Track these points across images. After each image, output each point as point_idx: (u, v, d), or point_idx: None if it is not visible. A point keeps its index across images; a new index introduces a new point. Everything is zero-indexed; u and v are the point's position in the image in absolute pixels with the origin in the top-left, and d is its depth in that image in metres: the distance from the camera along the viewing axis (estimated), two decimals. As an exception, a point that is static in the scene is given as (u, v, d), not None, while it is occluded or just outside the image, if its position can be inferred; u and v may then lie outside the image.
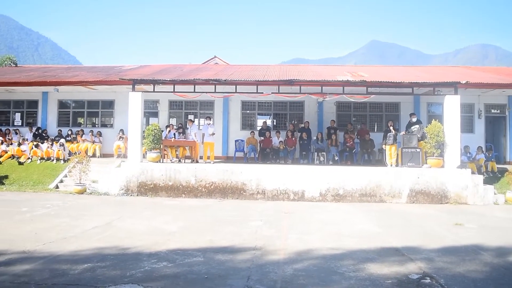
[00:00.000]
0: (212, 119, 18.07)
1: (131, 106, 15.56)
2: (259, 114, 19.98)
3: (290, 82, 15.09)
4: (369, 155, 17.47)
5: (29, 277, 5.45)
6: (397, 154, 15.16)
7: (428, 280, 5.57)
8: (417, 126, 15.23)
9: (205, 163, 15.70)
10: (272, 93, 15.77)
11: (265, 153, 17.28)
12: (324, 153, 17.32)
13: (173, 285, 5.27)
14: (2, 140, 18.82)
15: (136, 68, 22.21)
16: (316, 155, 17.18)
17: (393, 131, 15.36)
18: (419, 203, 13.59)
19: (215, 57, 29.99)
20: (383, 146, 15.76)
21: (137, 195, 14.44)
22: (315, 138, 17.71)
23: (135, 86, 15.82)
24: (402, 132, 15.46)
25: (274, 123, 19.83)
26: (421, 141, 14.78)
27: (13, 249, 6.84)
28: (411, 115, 15.86)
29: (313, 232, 8.67)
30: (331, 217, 10.80)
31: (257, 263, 6.28)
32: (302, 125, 18.37)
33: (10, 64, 27.61)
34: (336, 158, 17.21)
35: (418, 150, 14.53)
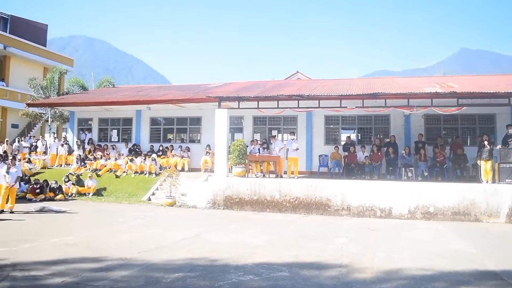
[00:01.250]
0: (295, 134, 18.15)
1: (217, 123, 16.14)
2: (343, 128, 19.73)
3: (374, 96, 14.79)
4: (461, 170, 16.45)
5: (126, 283, 5.85)
6: (494, 170, 14.16)
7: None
8: (515, 139, 14.14)
9: (289, 178, 15.79)
10: (356, 107, 15.52)
11: (350, 168, 16.99)
12: (412, 168, 16.62)
13: (260, 298, 5.36)
14: (101, 155, 20.43)
15: (221, 86, 23.01)
16: (403, 170, 16.55)
17: (488, 146, 14.37)
18: (520, 223, 12.55)
19: (297, 72, 30.20)
20: (478, 161, 14.80)
21: (223, 208, 14.86)
22: (402, 152, 17.08)
23: (221, 103, 16.39)
24: (499, 146, 14.43)
25: (359, 138, 19.46)
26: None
27: (112, 256, 7.37)
28: (508, 126, 14.74)
29: (402, 250, 8.36)
30: (421, 235, 10.34)
31: (343, 280, 6.20)
32: (388, 140, 17.84)
33: (108, 85, 29.91)
34: (426, 173, 16.43)
35: (517, 165, 13.46)
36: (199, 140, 21.42)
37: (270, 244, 8.90)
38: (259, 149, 17.26)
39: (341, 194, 13.82)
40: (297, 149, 16.44)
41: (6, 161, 13.99)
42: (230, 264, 7.02)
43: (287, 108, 16.48)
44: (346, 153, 17.59)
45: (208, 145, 19.50)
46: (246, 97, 16.08)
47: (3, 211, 13.06)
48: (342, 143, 18.90)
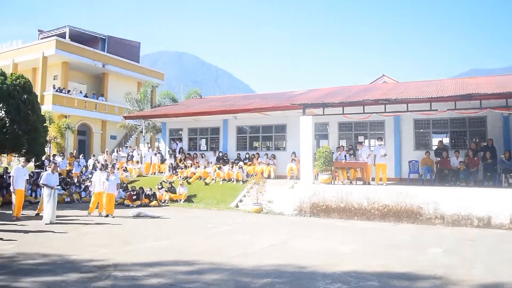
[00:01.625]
0: (383, 140, 17.61)
1: (302, 130, 16.15)
2: (434, 132, 18.77)
3: (468, 97, 13.89)
4: None
5: (217, 286, 6.06)
6: None
7: None
8: None
9: (377, 185, 15.35)
10: (447, 109, 14.69)
11: (443, 174, 16.10)
12: (514, 174, 15.37)
13: (349, 307, 5.27)
14: (191, 163, 21.34)
15: (305, 93, 22.99)
16: (503, 176, 15.34)
17: None
18: None
19: (383, 75, 29.32)
20: None
21: (310, 215, 14.80)
22: (501, 157, 15.84)
23: (305, 110, 16.39)
24: None
25: (452, 142, 18.39)
26: None
27: (203, 260, 7.66)
28: None
29: (504, 263, 7.75)
30: (525, 247, 9.53)
31: (438, 292, 5.90)
32: (485, 143, 16.65)
33: (196, 96, 31.22)
34: (529, 179, 15.11)
35: None
36: (285, 147, 21.56)
37: (358, 252, 8.71)
38: (345, 156, 17.00)
39: (433, 202, 13.13)
40: (385, 155, 15.96)
41: (107, 170, 15.13)
42: (317, 271, 6.98)
43: (373, 113, 16.08)
44: (438, 159, 16.70)
45: (294, 152, 19.55)
46: (330, 103, 15.92)
47: (107, 216, 14.12)
48: (434, 148, 17.98)
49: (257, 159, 20.57)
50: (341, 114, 16.17)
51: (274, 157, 20.60)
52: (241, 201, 17.33)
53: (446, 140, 18.30)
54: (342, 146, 18.52)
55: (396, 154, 18.59)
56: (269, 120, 21.55)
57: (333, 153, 16.90)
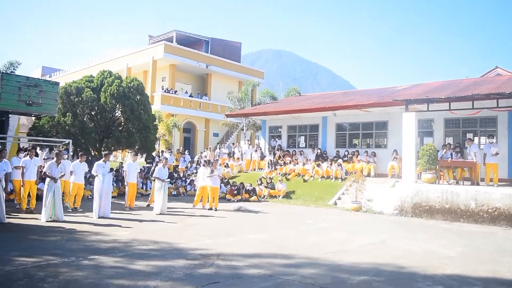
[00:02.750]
0: (495, 137, 16.37)
1: (404, 127, 15.61)
2: (556, 129, 16.99)
3: None
4: None
5: (314, 280, 6.17)
6: None
7: None
8: None
9: (487, 186, 14.34)
10: None
11: None
12: None
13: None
14: (290, 160, 21.64)
15: (409, 88, 22.11)
16: None
17: None
18: None
19: (496, 67, 27.27)
20: None
21: (411, 216, 14.28)
22: None
23: (408, 106, 15.81)
24: None
25: None
26: None
27: (300, 255, 7.83)
28: None
29: None
30: None
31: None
32: None
33: (295, 94, 31.48)
34: None
35: None
36: (386, 145, 20.95)
37: (463, 256, 8.27)
38: (451, 154, 16.09)
39: (553, 206, 11.98)
40: (496, 153, 14.85)
41: (210, 165, 15.96)
42: (418, 272, 6.78)
43: (484, 108, 15.03)
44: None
45: (395, 150, 18.93)
46: (435, 98, 15.19)
47: (211, 209, 14.89)
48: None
49: (357, 157, 20.24)
50: (447, 110, 15.34)
51: (374, 154, 20.12)
52: (339, 198, 17.21)
53: None
54: (448, 143, 17.54)
55: (510, 153, 17.10)
56: (369, 117, 21.08)
57: (438, 151, 16.09)
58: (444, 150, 16.45)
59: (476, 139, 17.89)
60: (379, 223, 12.79)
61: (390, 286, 5.96)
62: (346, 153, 21.14)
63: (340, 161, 19.85)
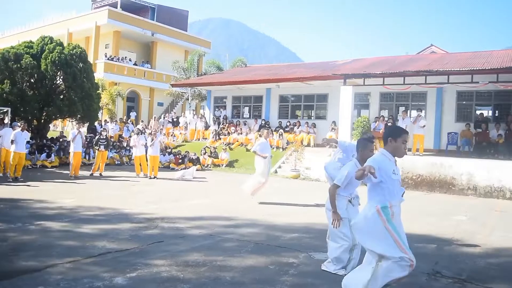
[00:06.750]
0: (423, 111, 17.69)
1: (342, 99, 16.53)
2: (477, 105, 18.58)
3: (509, 70, 13.81)
4: None
5: (250, 238, 6.85)
6: None
7: None
8: None
9: (413, 155, 15.62)
10: (489, 82, 14.61)
11: (481, 147, 16.12)
12: (557, 148, 15.18)
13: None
14: (234, 130, 22.20)
15: (349, 62, 23.11)
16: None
17: None
18: None
19: (431, 45, 28.83)
20: None
21: (345, 183, 15.28)
22: (544, 131, 15.68)
23: (346, 80, 16.70)
24: None
25: (496, 115, 18.16)
26: None
27: (240, 217, 8.53)
28: None
29: (524, 231, 8.11)
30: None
31: (450, 252, 6.42)
32: (527, 117, 16.44)
33: (241, 65, 31.83)
34: None
35: None
36: (325, 116, 21.95)
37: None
38: (384, 126, 17.24)
39: (467, 173, 13.36)
40: (423, 126, 16.12)
41: (144, 134, 15.94)
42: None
43: (413, 84, 16.18)
44: (479, 130, 16.67)
45: (334, 122, 19.94)
46: (371, 74, 16.19)
47: (152, 177, 15.15)
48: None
49: (298, 128, 21.10)
50: (380, 84, 16.39)
51: (314, 125, 21.08)
52: (280, 167, 18.04)
53: (489, 113, 18.14)
54: (382, 116, 18.73)
55: (437, 125, 18.61)
56: (311, 89, 21.93)
57: (372, 123, 17.20)
58: (377, 122, 17.61)
59: (408, 112, 19.21)
60: (314, 189, 13.70)
61: (318, 241, 6.72)
62: (288, 123, 21.96)
63: (281, 131, 20.63)
